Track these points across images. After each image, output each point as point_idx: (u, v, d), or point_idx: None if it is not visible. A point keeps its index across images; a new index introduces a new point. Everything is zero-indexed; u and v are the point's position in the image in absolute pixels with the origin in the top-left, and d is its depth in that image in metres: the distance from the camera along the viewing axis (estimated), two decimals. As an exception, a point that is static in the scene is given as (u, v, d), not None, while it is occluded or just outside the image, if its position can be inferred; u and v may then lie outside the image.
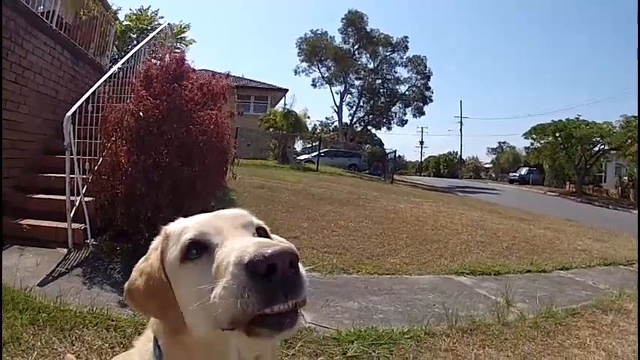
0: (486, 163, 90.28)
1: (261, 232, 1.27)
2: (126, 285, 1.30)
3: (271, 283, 0.95)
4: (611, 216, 19.95)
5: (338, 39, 50.99)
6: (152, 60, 6.80)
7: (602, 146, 35.20)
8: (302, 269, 1.03)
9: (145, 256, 1.32)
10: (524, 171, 55.35)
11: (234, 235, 1.14)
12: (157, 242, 1.30)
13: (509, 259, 7.59)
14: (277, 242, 1.06)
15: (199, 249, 1.14)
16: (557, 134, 35.86)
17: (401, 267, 6.48)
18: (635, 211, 20.40)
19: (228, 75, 7.81)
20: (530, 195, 34.15)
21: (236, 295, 0.95)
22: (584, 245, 9.53)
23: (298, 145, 41.97)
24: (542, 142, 39.01)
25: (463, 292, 5.50)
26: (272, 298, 0.96)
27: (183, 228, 1.22)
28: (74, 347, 3.38)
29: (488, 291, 5.64)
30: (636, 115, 29.45)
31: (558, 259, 7.84)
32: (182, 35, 20.37)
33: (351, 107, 53.23)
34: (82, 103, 6.36)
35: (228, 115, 6.82)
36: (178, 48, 10.61)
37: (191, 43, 20.99)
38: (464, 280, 6.17)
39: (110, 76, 7.32)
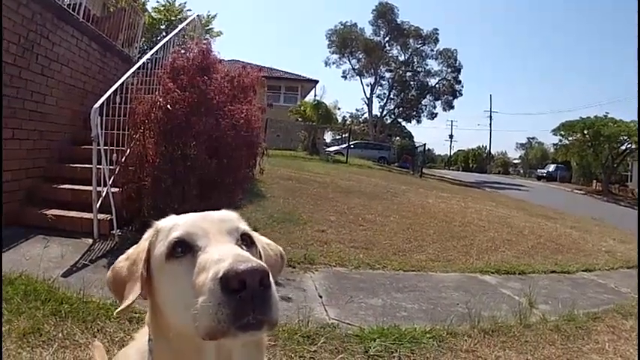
0: (515, 159, 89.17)
1: (245, 238, 1.30)
2: (112, 266, 1.38)
3: (242, 299, 1.01)
4: (635, 216, 19.46)
5: (368, 31, 50.81)
6: (179, 51, 6.75)
7: (629, 145, 34.33)
8: (274, 289, 1.07)
9: (137, 245, 1.38)
10: (552, 168, 54.40)
11: (218, 241, 1.20)
12: (148, 234, 1.36)
13: (535, 258, 7.51)
14: (251, 259, 1.09)
15: (184, 248, 1.20)
16: (585, 131, 34.93)
17: (427, 264, 6.44)
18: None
19: (260, 69, 7.76)
20: (558, 192, 33.61)
21: (211, 313, 1.01)
22: (609, 246, 9.42)
23: (328, 137, 41.91)
24: (571, 139, 38.12)
25: (487, 292, 5.46)
26: (242, 315, 1.01)
27: (173, 225, 1.28)
28: (96, 339, 3.34)
29: (512, 291, 5.58)
30: None
31: (582, 260, 7.75)
32: (209, 27, 20.41)
33: (382, 99, 53.15)
34: (110, 94, 6.37)
35: (259, 109, 6.77)
36: (205, 39, 10.56)
37: (218, 35, 21.04)
38: (488, 279, 6.12)
39: (139, 68, 7.32)
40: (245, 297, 1.01)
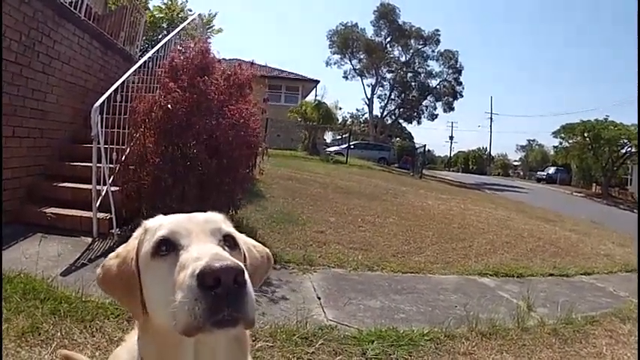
0: (515, 161, 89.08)
1: (228, 239, 1.33)
2: (102, 263, 1.39)
3: (217, 295, 1.05)
4: (634, 220, 19.42)
5: (369, 31, 50.72)
6: (178, 50, 6.74)
7: (629, 149, 34.28)
8: (250, 288, 1.11)
9: (127, 243, 1.41)
10: (552, 170, 54.61)
11: (200, 240, 1.24)
12: (137, 233, 1.40)
13: (533, 261, 7.49)
14: (227, 257, 1.13)
15: (168, 246, 1.24)
16: (585, 134, 34.97)
17: (425, 266, 6.44)
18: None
19: (252, 63, 7.74)
20: (557, 195, 33.62)
21: (188, 308, 1.05)
22: (607, 250, 9.38)
23: (328, 137, 41.87)
24: (571, 141, 38.15)
25: (485, 294, 5.45)
26: (217, 311, 1.05)
27: (159, 225, 1.32)
28: (94, 338, 3.37)
29: (510, 294, 5.58)
30: None
31: (581, 263, 7.73)
32: (209, 25, 20.45)
33: (382, 100, 52.93)
34: (111, 93, 6.37)
35: (259, 109, 6.77)
36: (206, 37, 10.56)
37: (219, 32, 21.14)
38: (487, 281, 6.12)
39: (140, 66, 7.32)
40: (220, 293, 1.05)
